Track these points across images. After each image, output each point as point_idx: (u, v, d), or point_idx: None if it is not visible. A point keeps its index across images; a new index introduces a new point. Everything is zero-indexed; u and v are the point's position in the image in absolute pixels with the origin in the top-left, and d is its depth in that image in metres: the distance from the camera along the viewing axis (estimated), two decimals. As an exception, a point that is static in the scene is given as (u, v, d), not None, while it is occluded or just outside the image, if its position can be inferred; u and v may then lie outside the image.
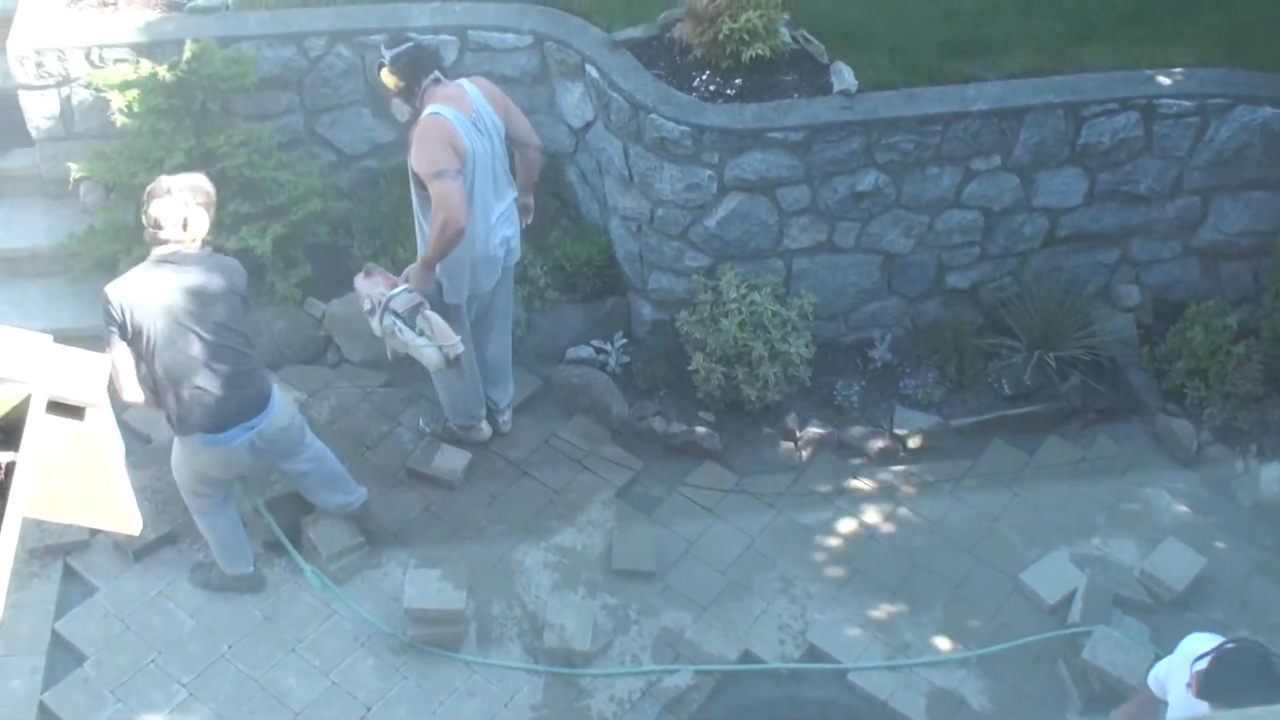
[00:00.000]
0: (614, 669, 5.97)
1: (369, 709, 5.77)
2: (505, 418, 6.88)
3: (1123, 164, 7.01)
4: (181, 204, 5.30)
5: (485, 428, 6.83)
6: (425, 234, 6.08)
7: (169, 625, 6.01)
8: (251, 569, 6.09)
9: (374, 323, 6.04)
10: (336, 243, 7.20)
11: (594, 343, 7.21)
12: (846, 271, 7.09)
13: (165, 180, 5.39)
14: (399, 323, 5.91)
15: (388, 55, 5.95)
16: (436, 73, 5.96)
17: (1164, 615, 6.21)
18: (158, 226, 5.31)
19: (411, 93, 5.96)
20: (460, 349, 5.96)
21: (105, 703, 5.71)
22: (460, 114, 5.86)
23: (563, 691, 5.89)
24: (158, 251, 5.37)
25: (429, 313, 5.96)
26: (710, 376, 6.76)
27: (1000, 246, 7.19)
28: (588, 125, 7.16)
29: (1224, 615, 6.23)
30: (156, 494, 6.40)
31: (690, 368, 6.85)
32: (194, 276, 5.36)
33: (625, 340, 7.23)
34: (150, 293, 5.30)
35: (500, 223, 6.18)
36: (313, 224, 7.06)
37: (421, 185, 5.92)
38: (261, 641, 5.98)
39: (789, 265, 7.01)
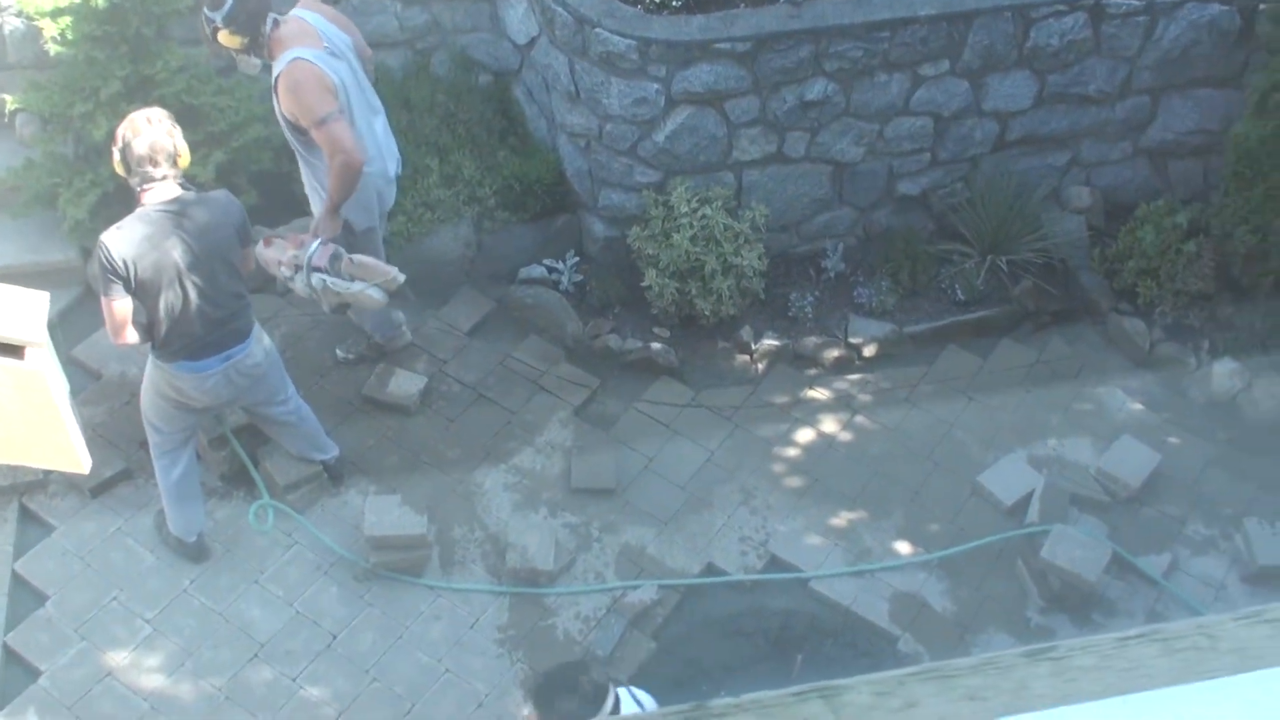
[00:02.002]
0: (578, 587, 6.00)
1: (335, 637, 5.77)
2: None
3: (1072, 65, 6.98)
4: (167, 134, 5.04)
5: (407, 331, 6.80)
6: (315, 179, 6.01)
7: (129, 562, 5.97)
8: (194, 540, 5.92)
9: (298, 286, 5.88)
10: (280, 169, 7.08)
11: (546, 262, 7.16)
12: (797, 182, 7.05)
13: (138, 116, 5.10)
14: (327, 277, 5.80)
15: (219, 17, 5.61)
16: (273, 15, 5.72)
17: (1120, 512, 6.30)
18: (153, 164, 5.02)
19: (257, 44, 5.72)
20: (401, 276, 5.85)
21: (69, 641, 5.68)
22: (315, 50, 5.69)
23: (528, 611, 5.92)
24: (153, 196, 5.09)
25: (354, 256, 5.87)
26: (664, 292, 6.74)
27: (950, 152, 7.17)
28: (532, 41, 7.05)
29: (1179, 510, 6.33)
30: (110, 430, 6.33)
31: (644, 284, 6.82)
32: (196, 227, 5.12)
33: (577, 259, 7.18)
34: (154, 248, 5.05)
35: (386, 138, 6.14)
36: (255, 150, 6.94)
37: (300, 131, 5.80)
38: (223, 574, 5.96)
39: (739, 178, 6.96)
